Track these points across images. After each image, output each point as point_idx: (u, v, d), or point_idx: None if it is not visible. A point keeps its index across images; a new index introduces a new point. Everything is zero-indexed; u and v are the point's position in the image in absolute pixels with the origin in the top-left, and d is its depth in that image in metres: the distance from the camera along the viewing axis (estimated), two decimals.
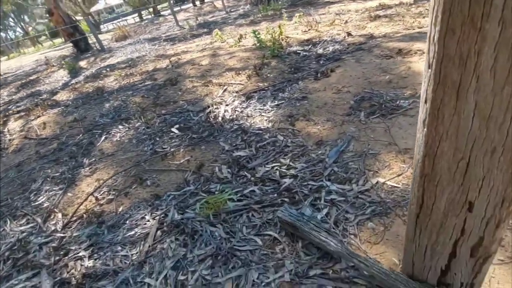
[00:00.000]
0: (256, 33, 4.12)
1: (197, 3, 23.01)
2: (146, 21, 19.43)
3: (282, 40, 4.55)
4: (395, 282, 0.96)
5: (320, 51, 3.62)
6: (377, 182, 1.51)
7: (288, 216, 1.28)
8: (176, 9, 24.57)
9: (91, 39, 10.24)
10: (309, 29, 4.75)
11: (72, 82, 5.90)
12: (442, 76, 0.54)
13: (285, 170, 1.81)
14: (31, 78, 8.38)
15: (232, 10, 13.09)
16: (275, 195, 1.61)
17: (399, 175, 1.54)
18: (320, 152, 1.89)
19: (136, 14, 25.76)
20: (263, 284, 1.19)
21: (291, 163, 1.86)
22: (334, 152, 1.82)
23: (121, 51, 8.50)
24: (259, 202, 1.58)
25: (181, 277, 1.29)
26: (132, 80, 4.27)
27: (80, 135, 2.85)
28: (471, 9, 0.46)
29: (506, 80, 0.49)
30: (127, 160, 2.28)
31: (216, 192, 1.74)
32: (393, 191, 1.47)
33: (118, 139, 2.63)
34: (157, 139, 2.49)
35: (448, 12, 0.48)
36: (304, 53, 3.69)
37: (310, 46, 3.87)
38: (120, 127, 2.83)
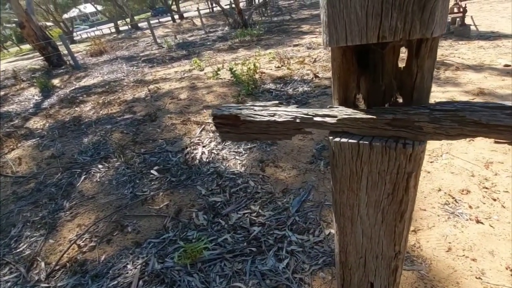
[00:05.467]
0: (233, 70, 4.44)
1: (176, 17, 23.25)
2: (123, 34, 19.29)
3: (257, 73, 4.91)
4: None
5: (291, 91, 3.99)
6: (329, 233, 1.82)
7: None
8: (154, 21, 24.59)
9: (63, 48, 9.82)
10: (282, 65, 5.16)
11: (44, 104, 5.82)
12: (342, 212, 0.84)
13: (254, 218, 2.07)
14: None
15: (211, 30, 13.45)
16: (245, 244, 1.86)
17: None
18: (285, 200, 2.18)
19: (112, 24, 25.34)
20: None
21: (260, 211, 2.12)
22: (297, 202, 2.12)
23: (97, 70, 8.46)
24: (231, 251, 1.82)
25: None
26: (111, 110, 4.38)
27: (59, 174, 2.92)
28: (351, 181, 0.76)
29: (376, 221, 0.79)
30: (108, 204, 2.42)
31: (193, 240, 1.95)
32: None
33: (98, 180, 2.75)
34: (137, 181, 2.65)
35: (339, 182, 0.78)
36: (276, 92, 4.05)
37: (282, 85, 4.25)
38: (100, 166, 2.95)
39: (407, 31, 0.50)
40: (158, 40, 12.37)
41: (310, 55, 5.66)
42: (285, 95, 3.87)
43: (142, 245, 1.99)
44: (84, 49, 13.09)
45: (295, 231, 1.89)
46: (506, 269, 1.42)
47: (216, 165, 2.71)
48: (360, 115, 0.66)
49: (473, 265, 1.47)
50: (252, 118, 0.86)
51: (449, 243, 1.61)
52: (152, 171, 2.74)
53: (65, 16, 30.80)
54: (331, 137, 0.71)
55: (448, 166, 2.17)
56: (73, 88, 6.83)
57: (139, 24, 23.04)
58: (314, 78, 4.26)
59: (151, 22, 15.46)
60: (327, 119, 0.71)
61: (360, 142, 0.67)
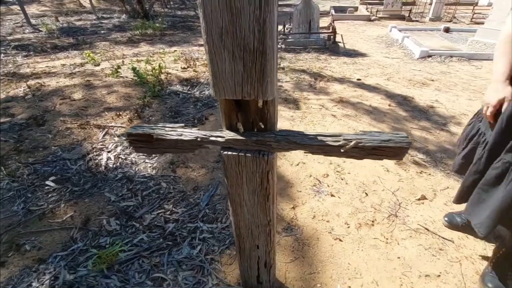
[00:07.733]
0: (136, 69, 4.32)
1: None
2: None
3: (163, 74, 4.92)
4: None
5: (197, 94, 4.24)
6: None
7: None
8: None
9: None
10: (188, 66, 5.31)
11: None
12: (233, 199, 1.22)
13: (168, 216, 2.28)
14: None
15: (104, 16, 11.98)
16: (161, 240, 2.07)
17: None
18: (196, 196, 2.47)
19: None
20: None
21: (173, 209, 2.35)
22: (206, 197, 2.45)
23: None
24: (147, 249, 2.00)
25: None
26: None
27: None
28: (237, 178, 1.14)
29: (254, 203, 1.21)
30: None
31: (107, 246, 2.02)
32: None
33: None
34: (29, 195, 2.40)
35: (230, 180, 1.15)
36: (184, 94, 4.22)
37: (188, 87, 4.44)
38: None
39: (256, 95, 0.90)
40: (33, 21, 10.18)
41: None
42: (192, 98, 4.09)
43: (47, 260, 1.91)
44: None
45: (206, 221, 2.22)
46: (345, 224, 2.17)
47: (125, 170, 2.74)
48: (239, 137, 1.05)
49: (327, 225, 2.17)
50: (163, 137, 1.13)
51: (314, 212, 2.28)
52: (47, 182, 2.53)
53: None
54: (222, 151, 1.08)
55: (317, 157, 2.94)
56: None
57: None
58: None
59: None
60: (219, 139, 1.07)
61: (240, 154, 1.06)
